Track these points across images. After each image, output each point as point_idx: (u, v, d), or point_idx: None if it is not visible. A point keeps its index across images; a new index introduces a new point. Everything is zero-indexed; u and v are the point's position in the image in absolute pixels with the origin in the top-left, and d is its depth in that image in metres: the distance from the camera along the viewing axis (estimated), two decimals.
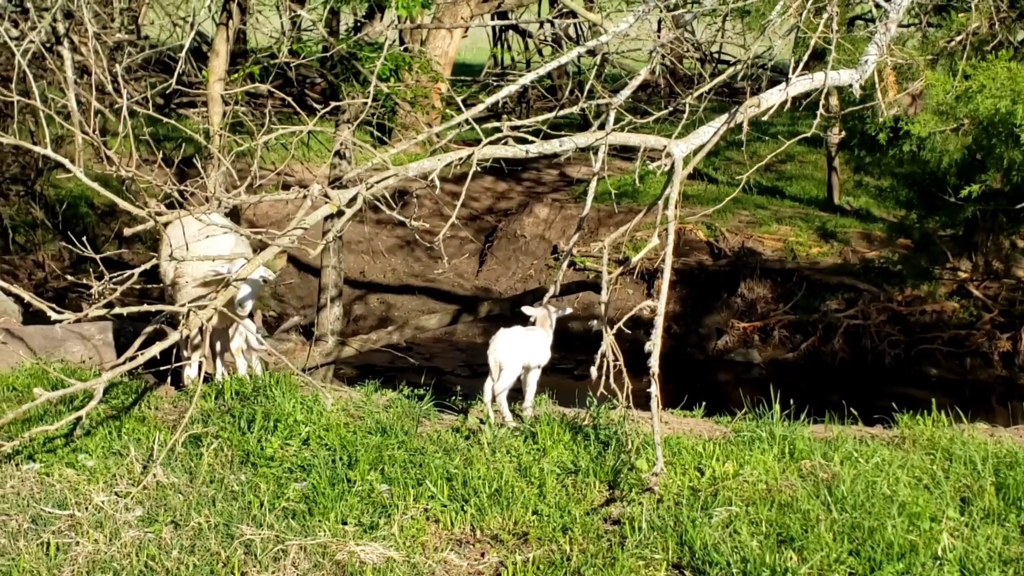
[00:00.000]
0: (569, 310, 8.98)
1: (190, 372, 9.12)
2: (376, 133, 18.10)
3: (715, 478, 7.39)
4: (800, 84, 7.93)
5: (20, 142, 7.44)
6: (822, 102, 7.57)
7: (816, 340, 15.89)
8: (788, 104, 7.97)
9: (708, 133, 7.96)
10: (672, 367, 14.77)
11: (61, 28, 9.90)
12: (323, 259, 12.58)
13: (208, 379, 8.99)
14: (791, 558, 6.39)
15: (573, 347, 15.36)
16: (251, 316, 9.04)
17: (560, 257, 17.48)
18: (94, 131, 6.80)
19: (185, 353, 8.94)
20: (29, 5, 9.54)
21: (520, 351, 8.44)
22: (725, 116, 7.98)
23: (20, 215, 17.21)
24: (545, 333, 8.62)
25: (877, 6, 8.63)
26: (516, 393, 8.69)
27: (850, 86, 8.08)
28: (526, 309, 8.79)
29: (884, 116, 8.44)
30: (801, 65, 7.85)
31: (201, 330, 8.17)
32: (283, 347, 12.67)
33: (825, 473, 7.51)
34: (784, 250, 17.38)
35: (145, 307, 7.41)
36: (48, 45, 10.37)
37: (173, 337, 7.43)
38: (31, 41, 8.73)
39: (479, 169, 7.96)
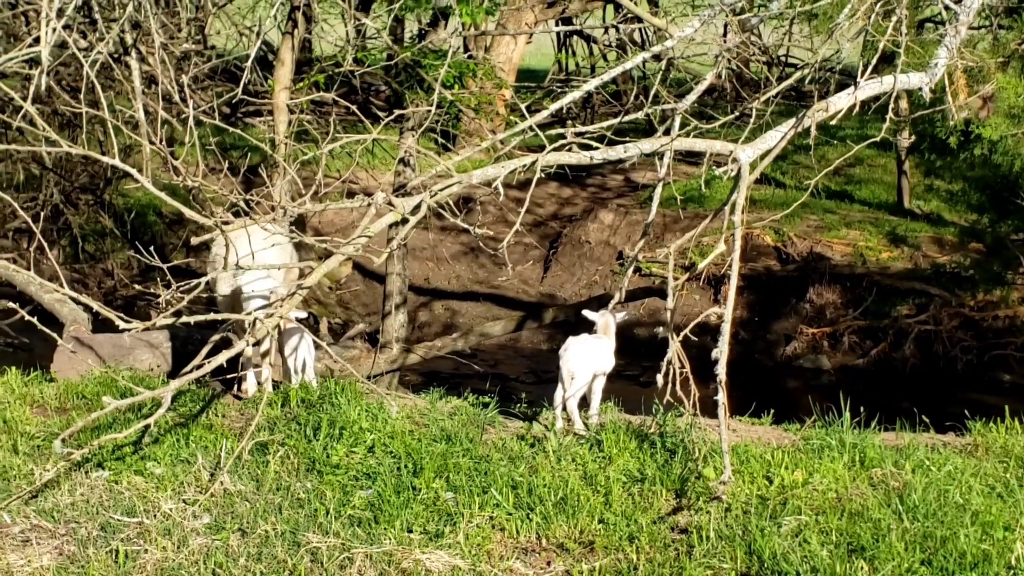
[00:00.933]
0: (624, 315, 8.90)
1: (248, 385, 9.18)
2: (440, 140, 18.14)
3: (784, 486, 7.30)
4: (869, 88, 7.82)
5: (89, 152, 7.51)
6: (891, 106, 7.46)
7: (886, 346, 15.71)
8: (856, 108, 7.86)
9: (775, 138, 7.88)
10: (740, 373, 14.71)
11: (129, 39, 10.01)
12: (388, 266, 12.61)
13: (276, 386, 9.03)
14: (862, 568, 6.30)
15: (639, 354, 15.29)
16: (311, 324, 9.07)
17: (625, 263, 17.40)
18: (160, 141, 6.84)
19: (247, 362, 8.99)
20: (97, 16, 9.64)
21: (591, 359, 8.40)
22: (792, 120, 7.89)
23: (89, 224, 17.42)
24: (609, 340, 8.57)
25: (947, 8, 8.50)
26: (580, 401, 8.64)
27: (920, 89, 7.96)
28: (587, 313, 8.75)
29: (955, 119, 8.30)
30: (870, 69, 7.74)
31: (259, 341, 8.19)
32: (348, 354, 12.71)
33: (896, 481, 7.39)
34: (853, 255, 17.19)
35: (212, 316, 7.44)
36: (116, 56, 10.48)
37: (239, 345, 7.47)
38: (99, 52, 8.81)
39: (543, 175, 7.93)
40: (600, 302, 12.47)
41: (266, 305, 8.31)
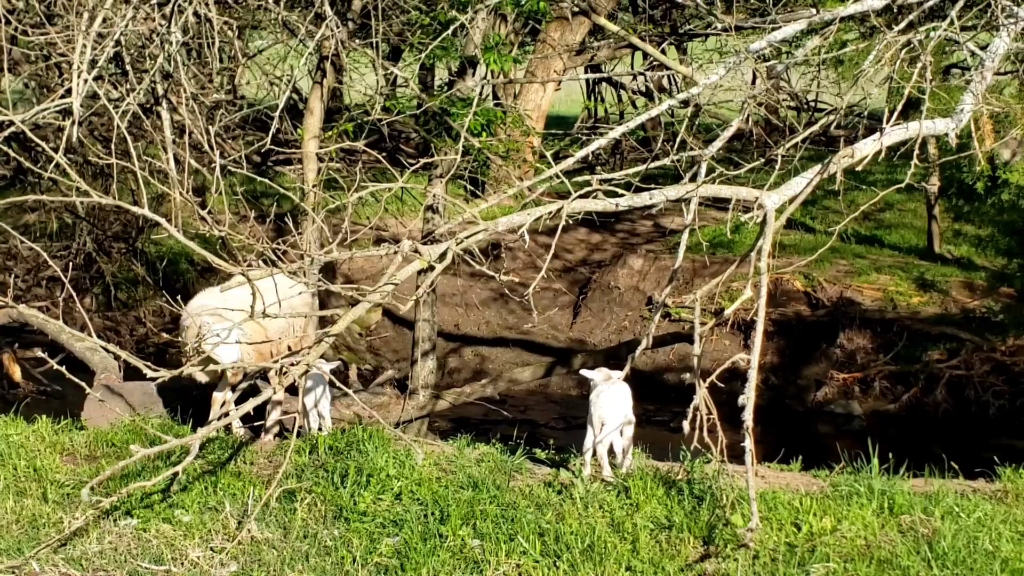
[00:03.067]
0: (622, 374, 8.87)
1: (268, 436, 9.22)
2: (469, 187, 18.22)
3: (812, 533, 7.26)
4: (894, 134, 7.82)
5: (120, 203, 7.60)
6: (916, 152, 7.46)
7: (918, 391, 15.60)
8: (883, 154, 7.86)
9: (801, 184, 7.88)
10: (770, 419, 14.69)
11: (160, 89, 10.13)
12: (417, 312, 12.64)
13: (300, 434, 9.06)
14: None
15: (668, 399, 15.25)
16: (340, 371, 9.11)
17: (654, 308, 17.39)
18: (188, 191, 6.92)
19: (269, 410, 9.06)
20: (128, 68, 9.78)
21: (621, 405, 8.41)
22: (818, 167, 7.89)
23: (122, 272, 17.55)
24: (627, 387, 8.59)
25: (972, 54, 8.52)
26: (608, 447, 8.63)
27: (946, 135, 7.96)
28: (586, 372, 8.76)
29: (981, 165, 8.29)
30: (895, 114, 7.75)
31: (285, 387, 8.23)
32: (378, 400, 12.72)
33: (925, 528, 7.35)
34: (883, 300, 17.12)
35: (238, 364, 7.48)
36: (147, 106, 10.61)
37: (266, 393, 7.50)
38: (129, 103, 8.93)
39: (571, 221, 7.95)
40: (629, 348, 12.47)
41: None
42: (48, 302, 15.13)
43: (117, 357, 9.62)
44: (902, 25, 8.28)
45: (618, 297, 19.14)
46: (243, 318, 7.24)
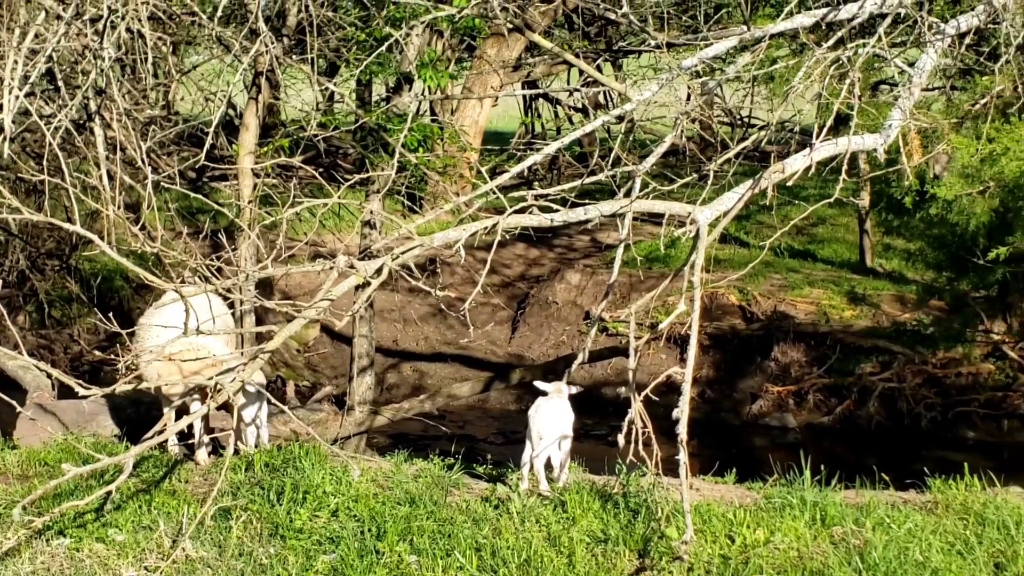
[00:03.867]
0: (581, 388, 8.93)
1: (200, 456, 9.15)
2: (407, 203, 18.22)
3: (746, 546, 7.33)
4: (824, 149, 7.93)
5: (52, 220, 7.54)
6: (845, 167, 7.56)
7: (851, 404, 15.79)
8: (813, 169, 7.97)
9: (733, 199, 7.97)
10: (706, 432, 14.81)
11: (93, 105, 10.05)
12: (354, 328, 12.61)
13: (236, 452, 9.02)
14: None
15: (606, 413, 15.33)
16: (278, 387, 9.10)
17: (590, 323, 17.46)
18: (120, 207, 6.88)
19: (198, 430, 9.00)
20: (61, 84, 9.70)
21: (559, 420, 8.45)
22: (750, 182, 7.99)
23: (56, 289, 17.38)
24: (568, 402, 8.63)
25: (901, 71, 8.66)
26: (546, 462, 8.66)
27: (875, 150, 8.09)
28: (540, 384, 8.78)
29: (910, 180, 8.43)
30: (825, 130, 7.86)
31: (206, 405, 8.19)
32: (316, 417, 12.68)
33: (857, 539, 7.44)
34: (817, 313, 17.31)
35: (174, 380, 7.44)
36: (81, 122, 10.53)
37: (201, 411, 7.47)
38: (61, 120, 8.86)
39: (508, 237, 7.99)
40: (567, 362, 12.52)
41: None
42: None
43: (50, 375, 9.52)
44: (831, 42, 8.41)
45: (556, 312, 19.21)
46: (177, 336, 7.20)
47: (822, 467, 8.50)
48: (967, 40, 8.93)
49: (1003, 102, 9.08)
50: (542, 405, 8.49)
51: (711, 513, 7.73)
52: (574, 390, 8.71)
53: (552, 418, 8.41)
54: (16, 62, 8.80)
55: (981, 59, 9.35)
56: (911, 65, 8.62)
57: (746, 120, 20.24)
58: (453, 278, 19.20)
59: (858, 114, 7.73)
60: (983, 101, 8.84)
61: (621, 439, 7.36)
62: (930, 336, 15.38)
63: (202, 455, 9.15)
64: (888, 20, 8.33)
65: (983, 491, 8.26)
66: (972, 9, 8.92)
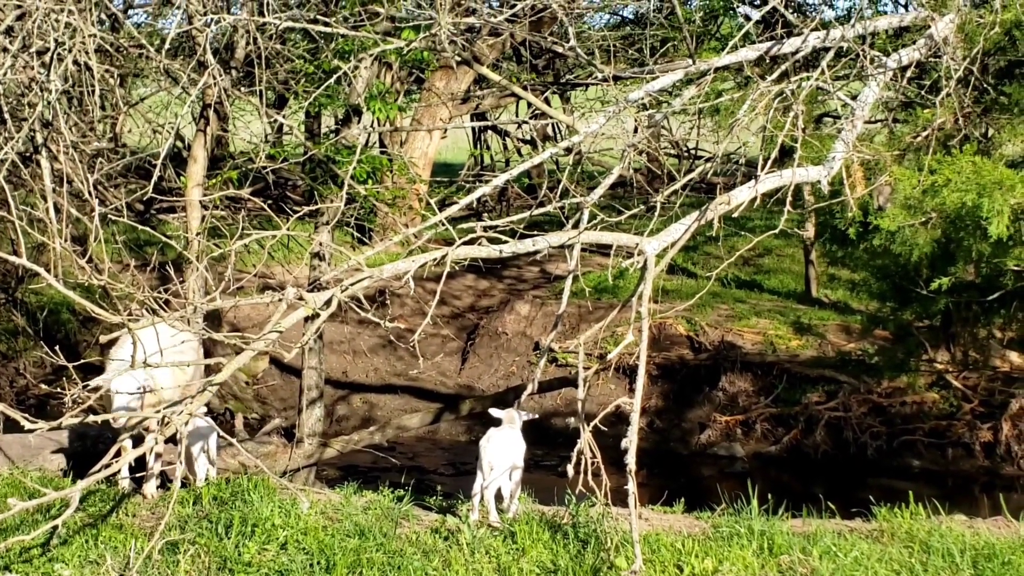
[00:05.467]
0: (531, 415, 8.97)
1: (147, 488, 9.08)
2: (356, 234, 18.24)
3: (694, 575, 7.37)
4: (769, 181, 8.04)
5: None
6: (789, 198, 7.67)
7: (798, 433, 15.89)
8: (758, 200, 8.07)
9: (680, 230, 8.06)
10: (656, 462, 14.87)
11: (39, 137, 10.01)
12: (303, 360, 12.59)
13: (185, 484, 8.96)
14: None
15: (556, 444, 15.35)
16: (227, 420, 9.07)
17: (540, 353, 17.50)
18: (67, 240, 6.86)
19: (149, 462, 8.94)
20: (6, 116, 9.66)
21: (510, 450, 8.47)
22: (696, 213, 8.08)
23: (1, 322, 17.21)
24: (519, 433, 8.65)
25: (844, 104, 8.79)
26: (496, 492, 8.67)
27: (818, 182, 8.21)
28: (494, 411, 8.82)
29: (853, 211, 8.56)
30: (770, 162, 7.97)
31: (166, 438, 8.16)
32: (264, 450, 12.62)
33: (804, 568, 7.50)
34: (764, 343, 17.44)
35: (117, 414, 7.40)
36: (27, 154, 10.48)
37: (148, 443, 7.43)
38: (7, 152, 8.82)
39: (457, 268, 8.03)
40: (517, 393, 12.55)
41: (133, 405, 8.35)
42: None
43: None
44: (775, 75, 8.54)
45: (506, 343, 19.24)
46: (124, 368, 7.17)
47: (770, 496, 8.57)
48: (908, 73, 9.09)
49: (944, 134, 9.23)
50: (493, 435, 8.51)
51: (660, 543, 7.77)
52: (527, 416, 8.74)
53: (503, 448, 8.43)
54: None
55: (922, 92, 9.50)
56: (854, 98, 8.76)
57: (692, 152, 20.47)
58: (403, 309, 19.19)
59: (802, 146, 7.85)
60: (924, 133, 8.99)
61: (570, 469, 7.39)
62: (875, 366, 15.50)
63: (150, 488, 9.09)
64: (831, 54, 8.48)
65: (928, 519, 8.36)
66: (913, 43, 9.09)
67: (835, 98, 8.74)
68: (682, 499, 9.17)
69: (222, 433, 8.47)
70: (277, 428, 13.73)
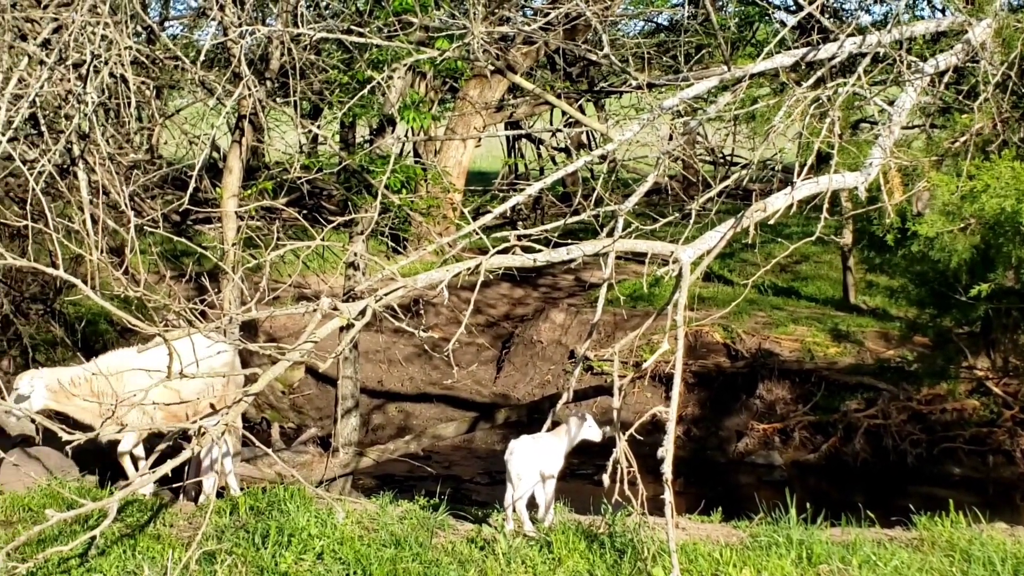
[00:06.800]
0: (605, 433, 8.85)
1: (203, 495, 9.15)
2: (390, 244, 18.25)
3: None
4: (805, 188, 7.99)
5: (36, 265, 7.52)
6: (826, 205, 7.62)
7: (837, 440, 15.78)
8: (795, 207, 8.02)
9: (715, 238, 8.01)
10: (693, 471, 14.79)
11: (77, 150, 10.06)
12: (339, 370, 12.61)
13: (220, 495, 8.99)
14: None
15: (591, 452, 15.28)
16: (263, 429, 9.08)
17: (575, 362, 17.45)
18: (102, 252, 6.88)
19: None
20: (44, 128, 9.71)
21: (537, 460, 8.43)
22: (732, 220, 8.04)
23: (40, 333, 17.29)
24: (559, 441, 8.60)
25: (881, 109, 8.72)
26: (530, 501, 8.65)
27: (856, 188, 8.15)
28: (569, 421, 8.69)
29: (891, 218, 8.49)
30: (806, 169, 7.92)
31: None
32: (300, 459, 12.65)
33: None
34: (801, 351, 17.33)
35: (156, 425, 7.42)
36: (64, 167, 10.53)
37: (185, 454, 7.44)
38: (44, 164, 8.87)
39: (492, 276, 8.01)
40: (552, 401, 12.52)
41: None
42: None
43: (34, 420, 9.48)
44: (811, 81, 8.49)
45: (541, 351, 19.21)
46: (159, 379, 7.18)
47: (808, 505, 8.50)
48: (946, 78, 9.02)
49: (982, 139, 9.15)
50: (516, 446, 8.49)
51: (697, 552, 7.72)
52: (594, 434, 8.61)
53: (528, 458, 8.39)
54: None
55: (960, 97, 9.42)
56: (891, 104, 8.69)
57: (728, 158, 20.38)
58: (437, 318, 19.19)
59: (839, 152, 7.80)
60: (963, 138, 8.91)
61: (606, 478, 7.36)
62: (914, 372, 15.39)
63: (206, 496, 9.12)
64: (868, 59, 8.42)
65: (969, 527, 8.28)
66: (950, 48, 9.02)
67: (872, 104, 8.67)
68: (719, 508, 9.11)
69: (256, 442, 8.48)
70: (313, 437, 13.77)
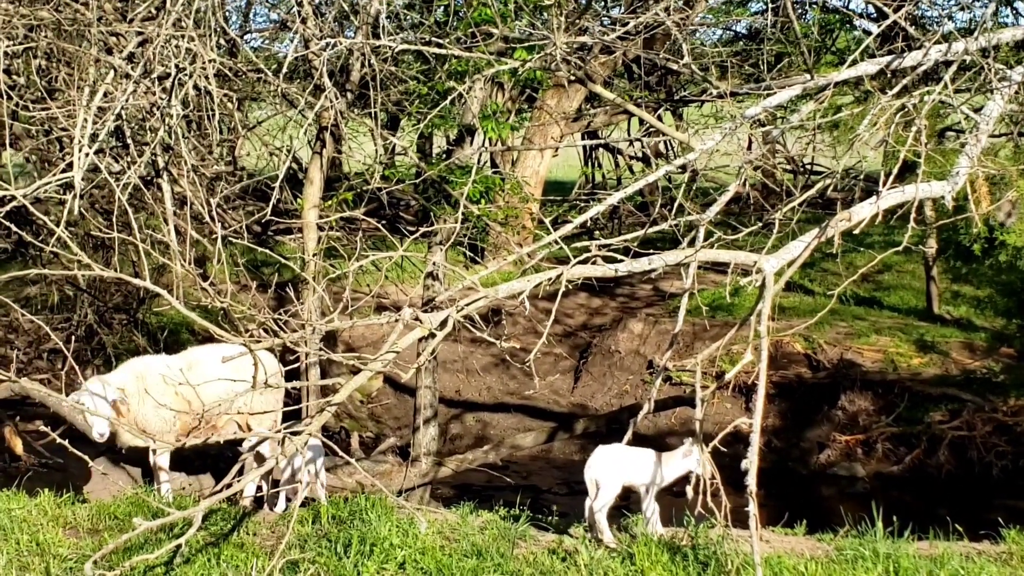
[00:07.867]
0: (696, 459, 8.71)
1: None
2: (469, 254, 18.30)
3: None
4: (891, 197, 7.89)
5: (121, 275, 7.64)
6: (913, 214, 7.51)
7: (920, 452, 15.55)
8: (880, 217, 7.92)
9: (799, 248, 7.93)
10: (774, 482, 14.63)
11: (160, 162, 10.20)
12: (418, 380, 12.64)
13: (304, 504, 9.04)
14: None
15: None
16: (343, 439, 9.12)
17: (655, 372, 17.37)
18: (189, 262, 6.96)
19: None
20: (129, 141, 9.85)
21: (619, 468, 8.39)
22: (816, 230, 7.95)
23: (123, 343, 17.53)
24: (654, 454, 8.54)
25: (967, 117, 8.60)
26: (614, 511, 8.61)
27: (942, 198, 8.03)
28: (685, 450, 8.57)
29: (978, 227, 8.36)
30: (892, 178, 7.81)
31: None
32: (380, 468, 12.69)
33: None
34: (884, 361, 17.11)
35: (240, 434, 7.48)
36: (148, 178, 10.68)
37: (269, 463, 7.49)
38: (130, 176, 8.99)
39: (570, 286, 7.99)
40: (631, 412, 12.47)
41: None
42: (50, 374, 15.11)
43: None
44: (896, 89, 8.38)
45: (619, 361, 19.13)
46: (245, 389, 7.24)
47: (893, 518, 8.39)
48: None
49: None
50: (597, 453, 8.48)
51: (782, 566, 7.64)
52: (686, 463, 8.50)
53: (608, 466, 8.36)
54: (86, 120, 8.95)
55: None
56: (977, 111, 8.56)
57: (809, 168, 20.18)
58: (515, 328, 19.19)
59: (925, 161, 7.68)
60: None
61: (689, 490, 7.33)
62: (1000, 383, 15.14)
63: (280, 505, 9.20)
64: (954, 67, 8.29)
65: None
66: None
67: (958, 112, 8.55)
68: (803, 520, 9.01)
69: (337, 451, 8.53)
70: (392, 447, 13.81)
